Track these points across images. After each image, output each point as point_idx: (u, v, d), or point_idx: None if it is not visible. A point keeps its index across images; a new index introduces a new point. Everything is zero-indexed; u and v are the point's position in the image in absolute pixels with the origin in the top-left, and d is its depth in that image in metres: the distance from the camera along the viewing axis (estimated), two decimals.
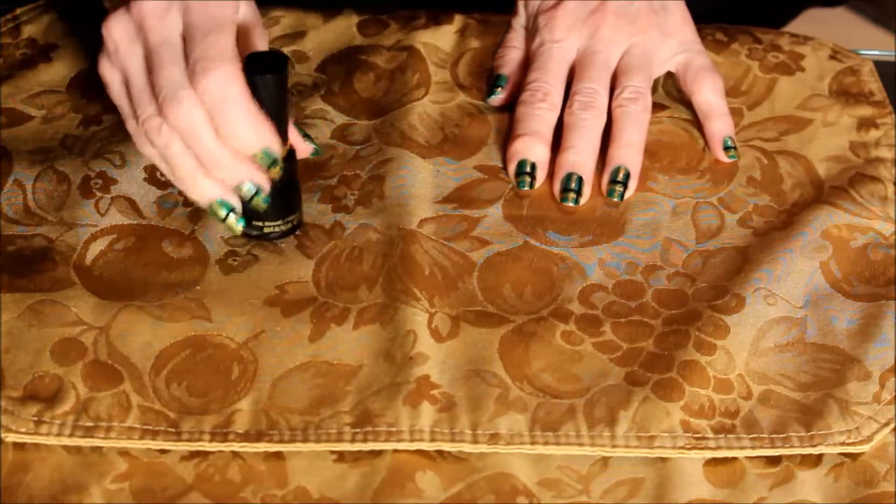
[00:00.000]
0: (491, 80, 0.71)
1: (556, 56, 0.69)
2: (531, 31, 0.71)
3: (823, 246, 0.64)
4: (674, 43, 0.70)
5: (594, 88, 0.67)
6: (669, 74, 0.72)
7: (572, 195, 0.65)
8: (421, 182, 0.66)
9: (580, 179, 0.65)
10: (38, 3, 0.75)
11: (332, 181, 0.66)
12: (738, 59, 0.74)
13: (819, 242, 0.64)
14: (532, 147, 0.66)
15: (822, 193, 0.67)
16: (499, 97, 0.70)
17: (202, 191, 0.59)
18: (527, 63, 0.71)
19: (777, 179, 0.68)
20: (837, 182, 0.67)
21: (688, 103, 0.71)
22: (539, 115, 0.67)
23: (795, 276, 0.62)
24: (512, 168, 0.66)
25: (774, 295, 0.61)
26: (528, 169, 0.66)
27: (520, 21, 0.73)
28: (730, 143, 0.68)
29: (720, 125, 0.69)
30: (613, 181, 0.66)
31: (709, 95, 0.69)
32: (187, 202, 0.64)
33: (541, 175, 0.66)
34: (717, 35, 0.75)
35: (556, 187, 0.66)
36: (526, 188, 0.66)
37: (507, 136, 0.68)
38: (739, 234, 0.65)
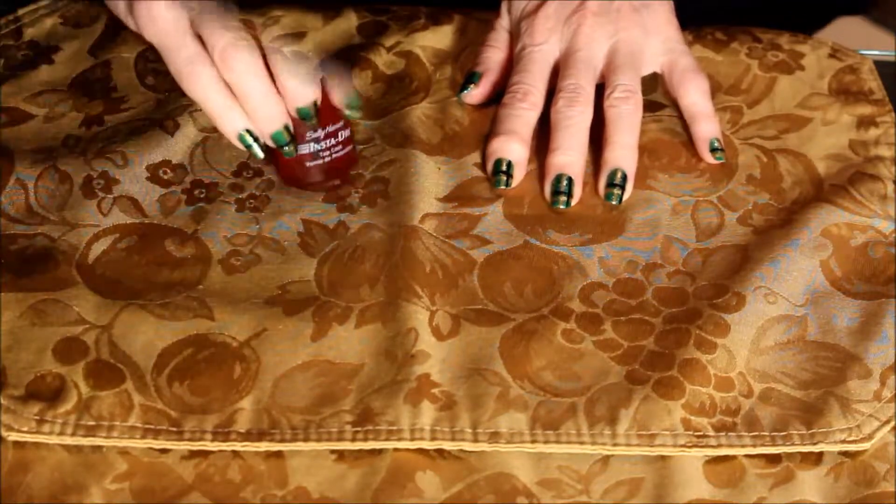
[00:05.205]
0: (465, 76, 0.71)
1: (536, 59, 0.69)
2: (514, 37, 0.72)
3: (823, 244, 0.64)
4: (657, 41, 0.70)
5: (577, 84, 0.67)
6: (655, 74, 0.72)
7: (563, 198, 0.65)
8: (424, 178, 0.66)
9: (570, 181, 0.65)
10: (39, 4, 0.75)
11: (335, 180, 0.66)
12: (737, 58, 0.74)
13: (819, 241, 0.64)
14: (508, 145, 0.66)
15: (822, 192, 0.67)
16: (471, 93, 0.70)
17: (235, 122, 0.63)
18: (509, 66, 0.71)
19: (777, 178, 0.68)
20: (837, 180, 0.67)
21: None
22: (517, 115, 0.67)
23: (795, 275, 0.62)
24: (489, 167, 0.66)
25: (775, 293, 0.61)
26: (504, 168, 0.66)
27: (502, 23, 0.73)
28: (716, 144, 0.68)
29: (707, 127, 0.68)
30: (610, 184, 0.66)
31: (695, 97, 0.69)
32: (189, 201, 0.64)
33: (518, 174, 0.66)
34: (716, 34, 0.75)
35: (547, 190, 0.66)
36: (502, 187, 0.66)
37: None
38: (739, 232, 0.65)
